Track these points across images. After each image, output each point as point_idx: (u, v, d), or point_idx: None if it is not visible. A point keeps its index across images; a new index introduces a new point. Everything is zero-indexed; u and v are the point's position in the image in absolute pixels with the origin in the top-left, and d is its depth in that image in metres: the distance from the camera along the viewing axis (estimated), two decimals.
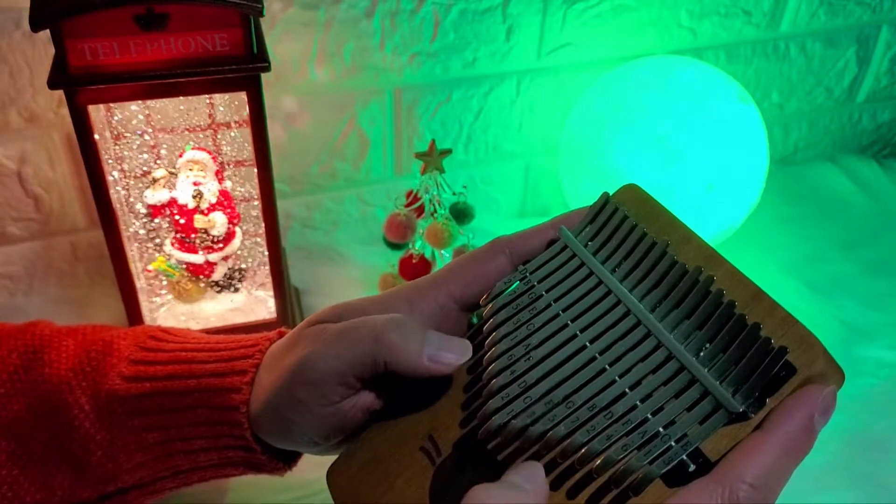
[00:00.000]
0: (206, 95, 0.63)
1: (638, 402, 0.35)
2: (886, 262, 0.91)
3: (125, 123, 0.64)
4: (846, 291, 0.86)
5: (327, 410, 0.40)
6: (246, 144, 0.67)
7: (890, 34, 1.03)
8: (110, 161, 0.63)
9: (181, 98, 0.63)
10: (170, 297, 0.72)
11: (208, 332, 0.49)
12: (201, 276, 0.71)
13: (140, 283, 0.69)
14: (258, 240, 0.72)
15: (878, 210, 1.00)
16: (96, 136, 0.58)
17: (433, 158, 0.72)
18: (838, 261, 0.91)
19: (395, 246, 0.78)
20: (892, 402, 0.73)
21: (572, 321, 0.38)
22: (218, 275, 0.71)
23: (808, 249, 0.93)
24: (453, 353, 0.39)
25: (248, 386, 0.42)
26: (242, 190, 0.70)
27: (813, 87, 1.04)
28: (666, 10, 0.89)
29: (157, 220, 0.68)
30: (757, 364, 0.33)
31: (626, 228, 0.40)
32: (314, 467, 0.45)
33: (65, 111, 0.72)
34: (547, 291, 0.40)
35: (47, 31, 0.54)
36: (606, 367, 0.36)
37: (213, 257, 0.69)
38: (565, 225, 0.42)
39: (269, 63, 0.58)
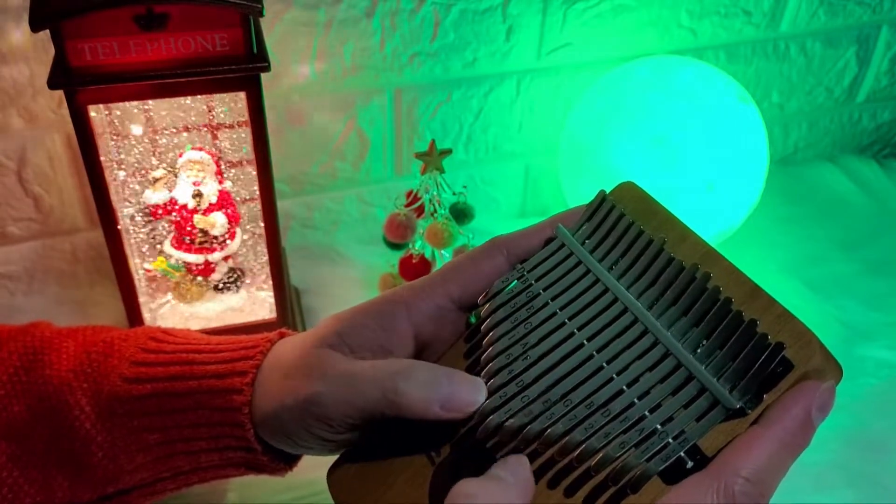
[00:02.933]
0: (206, 95, 0.63)
1: (635, 400, 0.35)
2: (886, 262, 0.91)
3: (125, 123, 0.64)
4: (846, 291, 0.86)
5: (336, 437, 0.40)
6: (246, 144, 0.67)
7: (890, 34, 1.03)
8: (110, 161, 0.63)
9: (181, 98, 0.63)
10: (170, 297, 0.72)
11: (208, 332, 0.49)
12: (201, 276, 0.71)
13: (140, 283, 0.69)
14: (258, 240, 0.72)
15: (878, 210, 1.00)
16: (96, 136, 0.59)
17: (433, 158, 0.72)
18: (838, 261, 0.91)
19: (395, 246, 0.78)
20: (892, 402, 0.73)
21: (570, 319, 0.39)
22: (218, 275, 0.72)
23: (808, 249, 0.93)
24: (467, 397, 0.38)
25: (249, 387, 0.42)
26: (242, 190, 0.70)
27: (813, 87, 1.04)
28: (666, 10, 0.89)
29: (157, 221, 0.69)
30: (754, 360, 0.33)
31: (623, 226, 0.40)
32: (314, 467, 0.45)
33: (65, 111, 0.73)
34: (544, 290, 0.40)
35: (47, 31, 0.54)
36: (604, 364, 0.36)
37: (213, 257, 0.69)
38: (562, 223, 0.42)
39: (269, 63, 0.58)
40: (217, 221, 0.67)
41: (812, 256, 0.92)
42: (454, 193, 0.75)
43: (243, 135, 0.67)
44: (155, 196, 0.66)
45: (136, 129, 0.65)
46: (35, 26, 0.53)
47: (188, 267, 0.70)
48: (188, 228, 0.67)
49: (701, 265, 0.37)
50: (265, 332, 0.46)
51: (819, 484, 0.65)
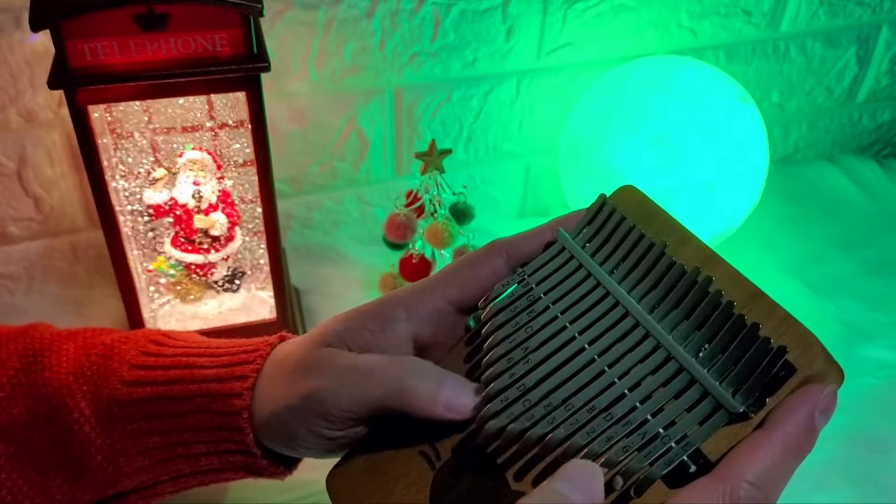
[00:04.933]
0: (206, 95, 0.63)
1: (638, 404, 0.35)
2: (886, 262, 0.91)
3: (125, 123, 0.64)
4: (846, 291, 0.86)
5: (337, 433, 0.40)
6: (246, 144, 0.67)
7: (890, 34, 1.03)
8: (110, 161, 0.63)
9: (181, 98, 0.63)
10: (170, 297, 0.72)
11: (208, 332, 0.49)
12: (201, 276, 0.71)
13: (140, 283, 0.69)
14: (258, 240, 0.72)
15: (878, 210, 1.00)
16: (96, 136, 0.58)
17: (433, 158, 0.72)
18: (838, 261, 0.91)
19: (395, 246, 0.78)
20: (892, 402, 0.73)
21: (571, 323, 0.38)
22: (218, 275, 0.71)
23: (808, 249, 0.93)
24: (470, 401, 0.39)
25: (249, 391, 0.42)
26: (242, 190, 0.70)
27: (813, 87, 1.04)
28: (666, 10, 0.89)
29: (157, 220, 0.68)
30: (756, 364, 0.33)
31: (624, 230, 0.40)
32: (313, 468, 0.45)
33: (65, 111, 0.72)
34: (545, 294, 0.40)
35: (47, 31, 0.53)
36: (606, 368, 0.36)
37: (213, 257, 0.69)
38: (563, 227, 0.42)
39: (269, 63, 0.58)
40: (217, 221, 0.67)
41: (812, 256, 0.92)
42: (454, 193, 0.75)
43: (243, 135, 0.66)
44: (155, 196, 0.66)
45: (136, 129, 0.64)
46: (35, 26, 0.53)
47: (188, 267, 0.70)
48: (188, 228, 0.67)
49: (702, 269, 0.37)
50: (265, 332, 0.46)
51: (819, 484, 0.65)
